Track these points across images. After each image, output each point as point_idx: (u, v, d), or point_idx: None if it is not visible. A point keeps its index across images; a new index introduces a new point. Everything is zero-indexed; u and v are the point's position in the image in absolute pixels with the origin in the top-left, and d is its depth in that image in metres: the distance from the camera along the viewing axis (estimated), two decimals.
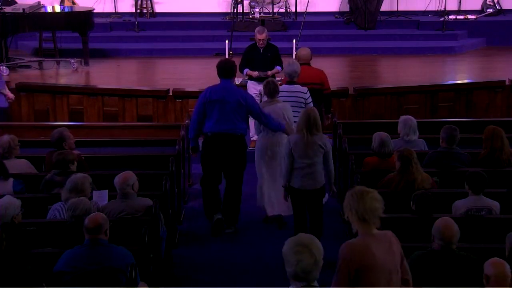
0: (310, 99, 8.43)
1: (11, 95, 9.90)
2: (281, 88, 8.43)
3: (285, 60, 10.39)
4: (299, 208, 7.15)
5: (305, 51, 9.35)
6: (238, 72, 9.93)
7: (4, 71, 11.92)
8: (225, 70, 7.84)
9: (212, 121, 7.72)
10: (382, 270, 4.36)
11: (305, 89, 8.46)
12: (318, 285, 3.87)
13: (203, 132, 7.86)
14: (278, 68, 10.07)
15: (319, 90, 9.06)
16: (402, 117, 7.92)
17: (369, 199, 4.42)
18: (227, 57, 10.86)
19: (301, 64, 8.88)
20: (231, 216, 7.97)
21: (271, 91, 8.05)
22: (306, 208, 7.16)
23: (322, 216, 7.24)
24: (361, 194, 4.44)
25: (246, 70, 9.96)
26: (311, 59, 9.35)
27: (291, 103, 8.17)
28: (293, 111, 8.05)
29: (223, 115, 7.69)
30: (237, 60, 9.93)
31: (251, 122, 10.06)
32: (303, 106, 8.27)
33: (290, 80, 8.54)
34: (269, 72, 9.94)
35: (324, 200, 7.62)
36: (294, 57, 10.94)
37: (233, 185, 7.93)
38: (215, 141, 7.77)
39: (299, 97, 8.37)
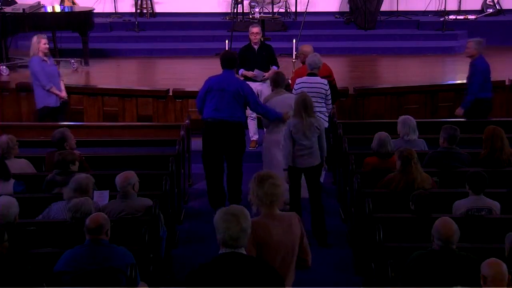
0: (329, 91, 8.78)
1: (63, 95, 9.83)
2: (301, 79, 8.80)
3: (284, 61, 10.42)
4: (295, 186, 7.66)
5: (309, 48, 9.55)
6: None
7: (4, 71, 11.94)
8: (228, 61, 8.30)
9: (212, 108, 8.12)
10: (277, 248, 4.60)
11: (325, 81, 8.83)
12: (245, 252, 4.13)
13: (203, 118, 8.23)
14: (274, 68, 10.06)
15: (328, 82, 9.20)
16: (401, 117, 7.94)
17: (268, 184, 4.63)
18: None
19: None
20: (233, 195, 8.22)
21: (275, 81, 8.38)
22: (300, 188, 7.70)
23: (320, 192, 7.79)
24: (262, 179, 4.66)
25: (241, 71, 9.92)
26: None
27: (312, 95, 8.27)
28: (314, 102, 8.15)
29: (222, 103, 8.08)
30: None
31: (251, 122, 10.11)
32: (323, 97, 8.73)
33: (311, 71, 8.84)
34: (266, 74, 9.91)
35: (322, 179, 8.12)
36: (294, 57, 10.93)
37: (233, 167, 8.23)
38: (214, 128, 8.14)
39: (320, 88, 8.72)
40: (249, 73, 9.88)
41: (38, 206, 6.60)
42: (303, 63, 9.46)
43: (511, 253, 5.13)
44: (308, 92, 8.28)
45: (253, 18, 14.37)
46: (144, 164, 7.95)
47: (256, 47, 9.96)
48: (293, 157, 7.56)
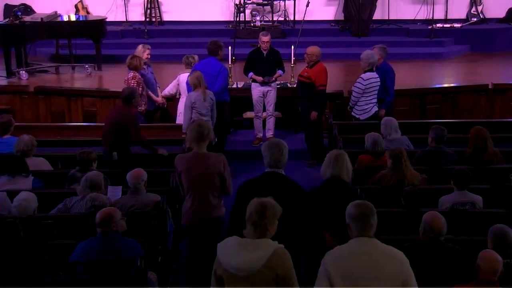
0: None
1: (159, 100, 9.91)
2: (368, 75, 8.97)
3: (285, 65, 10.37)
4: None
5: (315, 48, 9.62)
6: (242, 76, 10.05)
7: (24, 76, 11.94)
8: (210, 49, 9.16)
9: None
10: (195, 177, 5.72)
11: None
12: (284, 173, 5.14)
13: None
14: (280, 72, 10.07)
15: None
16: (383, 119, 7.96)
17: (195, 125, 5.78)
18: (230, 63, 10.84)
19: (317, 62, 9.41)
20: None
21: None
22: None
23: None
24: (194, 125, 5.83)
25: (251, 74, 9.95)
26: None
27: (376, 87, 9.00)
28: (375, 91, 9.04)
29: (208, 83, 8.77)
30: (240, 65, 9.98)
31: (256, 121, 10.14)
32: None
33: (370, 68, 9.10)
34: (273, 77, 9.96)
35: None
36: (292, 62, 10.89)
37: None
38: None
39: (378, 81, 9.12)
40: (258, 78, 9.94)
41: (55, 201, 6.60)
42: (309, 63, 9.46)
43: (495, 245, 5.09)
44: (375, 84, 8.92)
45: (254, 26, 14.37)
46: (152, 162, 7.94)
47: (265, 52, 9.98)
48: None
